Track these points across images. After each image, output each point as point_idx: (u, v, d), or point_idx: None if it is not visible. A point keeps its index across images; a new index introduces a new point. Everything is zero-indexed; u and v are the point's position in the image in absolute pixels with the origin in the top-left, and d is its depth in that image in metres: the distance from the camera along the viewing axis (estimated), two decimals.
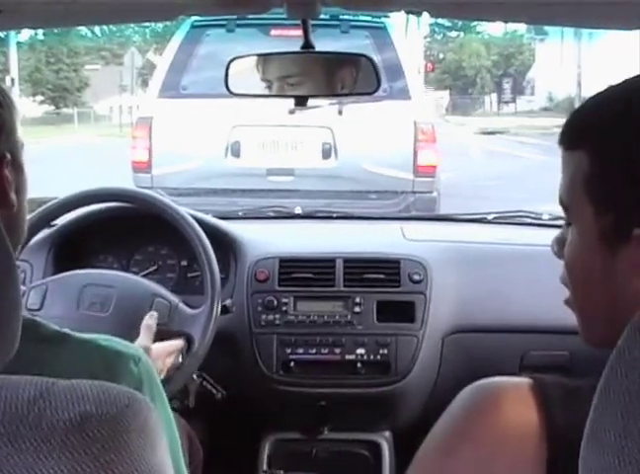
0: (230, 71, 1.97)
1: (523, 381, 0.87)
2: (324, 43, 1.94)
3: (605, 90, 0.96)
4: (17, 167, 1.10)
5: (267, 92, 2.02)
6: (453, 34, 56.45)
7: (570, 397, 0.84)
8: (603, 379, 0.67)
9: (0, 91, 1.09)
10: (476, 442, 0.85)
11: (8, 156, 1.06)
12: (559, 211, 1.00)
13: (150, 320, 1.89)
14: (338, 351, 2.25)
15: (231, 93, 1.98)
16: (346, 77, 1.96)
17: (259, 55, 1.97)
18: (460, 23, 51.83)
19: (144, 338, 1.83)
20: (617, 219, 0.89)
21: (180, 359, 1.97)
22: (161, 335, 1.98)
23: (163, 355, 1.86)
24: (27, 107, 34.23)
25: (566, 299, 1.00)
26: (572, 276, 0.96)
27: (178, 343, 1.95)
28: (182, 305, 2.03)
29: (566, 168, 0.95)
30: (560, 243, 0.99)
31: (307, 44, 1.85)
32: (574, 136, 0.95)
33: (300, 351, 2.25)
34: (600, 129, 0.92)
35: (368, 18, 5.86)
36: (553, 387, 0.85)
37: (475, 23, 50.90)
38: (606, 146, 0.90)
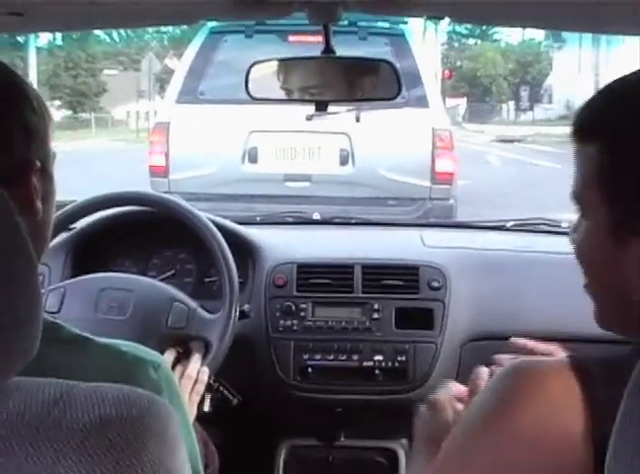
0: (250, 76, 1.97)
1: (563, 361, 0.87)
2: (343, 50, 1.93)
3: (616, 83, 0.97)
4: (46, 176, 1.10)
5: (287, 97, 2.01)
6: (471, 41, 56.56)
7: (609, 371, 0.84)
8: (627, 394, 0.67)
9: (36, 99, 1.08)
10: (521, 422, 0.85)
11: (38, 164, 1.06)
12: None
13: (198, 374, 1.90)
14: (355, 357, 2.24)
15: (252, 98, 1.98)
16: (366, 82, 1.96)
17: (280, 60, 1.97)
18: (478, 31, 51.92)
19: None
20: (628, 213, 0.90)
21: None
22: (179, 339, 1.98)
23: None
24: None
25: (585, 284, 1.02)
26: (583, 265, 0.99)
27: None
28: (200, 310, 2.02)
29: (578, 162, 0.96)
30: (574, 231, 1.02)
31: (328, 49, 1.84)
32: (586, 130, 0.96)
33: (318, 356, 2.24)
34: (612, 124, 0.93)
35: (387, 25, 5.86)
36: (592, 364, 0.86)
37: (492, 31, 50.98)
38: (619, 141, 0.91)
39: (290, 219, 2.86)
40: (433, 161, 5.70)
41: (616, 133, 0.91)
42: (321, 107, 1.96)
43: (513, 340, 1.37)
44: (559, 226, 2.65)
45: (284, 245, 2.44)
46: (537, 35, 48.99)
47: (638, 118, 0.90)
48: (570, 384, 0.84)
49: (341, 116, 5.48)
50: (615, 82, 0.97)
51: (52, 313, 1.95)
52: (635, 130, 0.90)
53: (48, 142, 1.11)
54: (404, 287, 2.29)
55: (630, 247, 0.90)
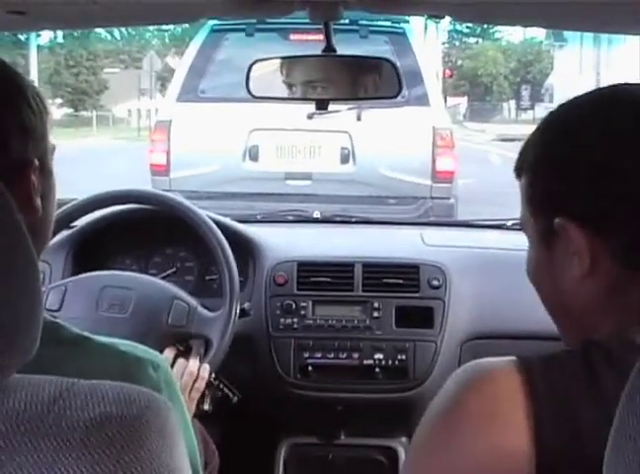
0: (251, 74, 1.97)
1: (508, 359, 0.95)
2: (343, 48, 1.93)
3: (549, 116, 1.08)
4: (45, 172, 1.10)
5: (287, 95, 2.01)
6: (471, 40, 56.50)
7: (549, 364, 0.92)
8: (626, 392, 0.68)
9: (34, 96, 1.08)
10: (471, 415, 0.91)
11: (36, 162, 1.06)
12: None
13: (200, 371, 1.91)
14: (356, 355, 2.24)
15: (252, 96, 1.98)
16: (367, 81, 1.96)
17: (281, 58, 1.97)
18: (478, 30, 51.89)
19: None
20: (546, 219, 1.00)
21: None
22: (179, 337, 1.99)
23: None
24: None
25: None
26: (534, 285, 1.10)
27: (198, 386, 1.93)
28: (200, 308, 2.02)
29: (520, 193, 1.08)
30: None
31: (329, 48, 1.84)
32: (517, 167, 1.08)
33: (318, 355, 2.25)
34: (531, 159, 1.05)
35: (388, 23, 5.85)
36: (534, 359, 0.93)
37: (493, 30, 50.95)
38: (535, 173, 1.04)
39: (291, 218, 2.86)
40: (433, 160, 5.70)
41: (533, 167, 1.04)
42: (322, 105, 1.96)
43: None
44: None
45: (285, 243, 2.44)
46: (538, 33, 48.96)
47: (546, 152, 1.03)
48: (513, 380, 0.91)
49: (342, 114, 5.47)
50: (549, 115, 1.08)
51: (53, 311, 1.95)
52: (545, 162, 1.02)
53: (46, 138, 1.11)
54: (404, 286, 2.29)
55: (557, 249, 1.01)
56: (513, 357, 0.94)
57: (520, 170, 1.07)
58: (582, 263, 0.97)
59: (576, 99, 1.06)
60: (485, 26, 44.73)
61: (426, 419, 0.96)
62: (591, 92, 1.06)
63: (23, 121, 1.05)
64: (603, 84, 1.07)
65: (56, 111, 38.60)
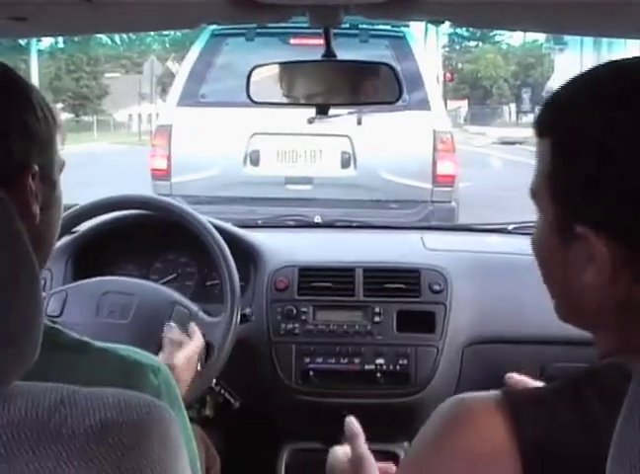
0: (252, 79, 1.97)
1: (493, 395, 0.88)
2: (344, 53, 1.93)
3: (581, 75, 0.94)
4: (47, 182, 1.09)
5: (287, 100, 2.01)
6: (472, 44, 56.52)
7: (537, 405, 0.85)
8: (628, 401, 0.67)
9: (42, 107, 1.08)
10: (452, 459, 0.87)
11: (36, 168, 1.05)
12: None
13: (171, 333, 1.88)
14: (357, 360, 2.24)
15: (252, 101, 1.98)
16: (367, 86, 1.95)
17: (281, 63, 1.97)
18: (479, 33, 51.91)
19: (168, 355, 1.81)
20: (566, 215, 0.90)
21: (199, 368, 1.96)
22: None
23: (186, 366, 1.84)
24: None
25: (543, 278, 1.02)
26: (537, 260, 0.99)
27: (196, 344, 1.91)
28: (201, 313, 2.02)
29: (537, 158, 0.95)
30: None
31: (329, 53, 1.84)
32: (543, 124, 0.94)
33: (319, 360, 2.24)
34: (564, 122, 0.91)
35: (388, 27, 5.85)
36: (521, 398, 0.87)
37: (493, 33, 50.96)
38: (566, 140, 0.90)
39: (292, 222, 2.86)
40: (434, 163, 5.70)
41: (565, 133, 0.90)
42: (322, 110, 1.96)
43: (508, 376, 1.38)
44: None
45: (286, 248, 2.44)
46: (539, 37, 48.95)
47: (586, 120, 0.88)
48: (497, 419, 0.85)
49: (342, 118, 5.47)
50: (580, 76, 0.94)
51: (54, 317, 1.95)
52: (582, 132, 0.87)
53: (53, 149, 1.11)
54: (405, 290, 2.28)
55: (572, 247, 0.90)
56: (498, 394, 0.89)
57: (543, 130, 0.94)
58: (601, 273, 0.87)
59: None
60: (485, 29, 44.71)
61: (409, 454, 0.94)
62: None
63: (25, 125, 1.05)
64: None
65: None
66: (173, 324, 1.92)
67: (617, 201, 0.84)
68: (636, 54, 0.94)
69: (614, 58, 0.95)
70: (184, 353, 1.84)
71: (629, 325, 0.88)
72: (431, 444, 0.90)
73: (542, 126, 0.94)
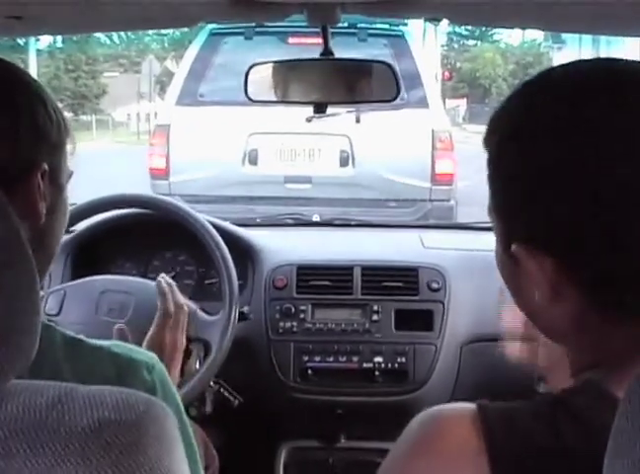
0: (249, 78, 1.97)
1: (467, 409, 0.85)
2: (342, 51, 1.93)
3: (525, 85, 0.89)
4: (55, 184, 1.10)
5: (286, 99, 2.01)
6: (470, 42, 56.50)
7: (512, 427, 0.81)
8: (625, 400, 0.67)
9: (55, 111, 1.10)
10: (425, 470, 0.84)
11: (45, 167, 1.06)
12: None
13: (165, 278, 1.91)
14: (355, 359, 2.24)
15: (250, 100, 1.98)
16: (365, 84, 1.95)
17: (278, 62, 1.97)
18: (477, 32, 51.91)
19: (158, 331, 1.84)
20: (505, 233, 0.87)
21: (197, 366, 1.96)
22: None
23: (177, 345, 1.85)
24: None
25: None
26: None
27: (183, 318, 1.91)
28: (200, 312, 2.02)
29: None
30: None
31: (327, 51, 1.84)
32: (484, 138, 0.90)
33: (317, 358, 2.24)
34: (499, 130, 0.88)
35: (386, 26, 5.86)
36: (494, 412, 0.83)
37: (492, 32, 50.95)
38: (498, 151, 0.87)
39: (290, 221, 2.86)
40: (433, 162, 5.70)
41: (498, 143, 0.87)
42: (320, 108, 1.96)
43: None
44: None
45: (284, 247, 2.44)
46: (537, 35, 48.99)
47: (517, 136, 0.84)
48: (470, 433, 0.82)
49: (341, 117, 5.48)
50: (525, 84, 0.89)
51: (52, 316, 1.95)
52: (509, 142, 0.85)
53: (62, 154, 1.11)
54: (403, 289, 2.29)
55: (519, 267, 0.86)
56: (473, 408, 0.85)
57: (484, 141, 0.90)
58: (543, 293, 0.84)
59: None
60: (483, 28, 44.74)
61: (382, 465, 0.90)
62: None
63: (36, 123, 1.05)
64: None
65: None
66: (164, 275, 1.94)
67: (544, 217, 0.81)
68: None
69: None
70: (172, 334, 1.85)
71: (592, 342, 0.86)
72: (402, 458, 0.88)
73: (484, 139, 0.90)
